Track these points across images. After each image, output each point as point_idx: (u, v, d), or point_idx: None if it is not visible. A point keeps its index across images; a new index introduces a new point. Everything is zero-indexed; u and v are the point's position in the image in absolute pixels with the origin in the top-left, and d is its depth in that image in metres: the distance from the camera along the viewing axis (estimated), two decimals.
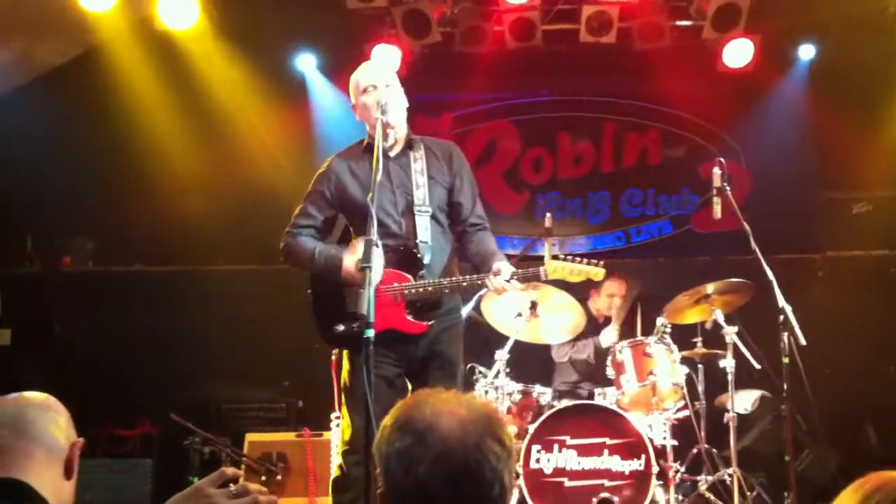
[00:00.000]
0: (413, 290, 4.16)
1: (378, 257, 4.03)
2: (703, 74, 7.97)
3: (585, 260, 4.19)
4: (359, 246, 4.18)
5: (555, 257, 4.20)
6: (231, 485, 2.12)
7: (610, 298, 6.78)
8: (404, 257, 4.22)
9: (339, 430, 4.54)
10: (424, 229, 4.27)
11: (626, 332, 6.41)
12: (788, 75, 8.07)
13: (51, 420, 2.30)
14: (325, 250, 4.34)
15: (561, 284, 5.66)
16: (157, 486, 6.54)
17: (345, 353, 4.40)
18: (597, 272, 4.20)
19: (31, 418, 2.28)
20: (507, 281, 4.12)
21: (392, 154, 4.33)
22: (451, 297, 4.35)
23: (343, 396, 4.38)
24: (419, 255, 4.21)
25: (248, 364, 7.28)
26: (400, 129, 4.32)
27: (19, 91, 7.66)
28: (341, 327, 4.23)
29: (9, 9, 6.87)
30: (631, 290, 6.80)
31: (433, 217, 4.32)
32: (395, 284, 4.19)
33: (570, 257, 4.19)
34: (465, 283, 4.19)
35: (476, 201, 4.49)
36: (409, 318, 4.18)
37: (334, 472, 4.37)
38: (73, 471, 2.32)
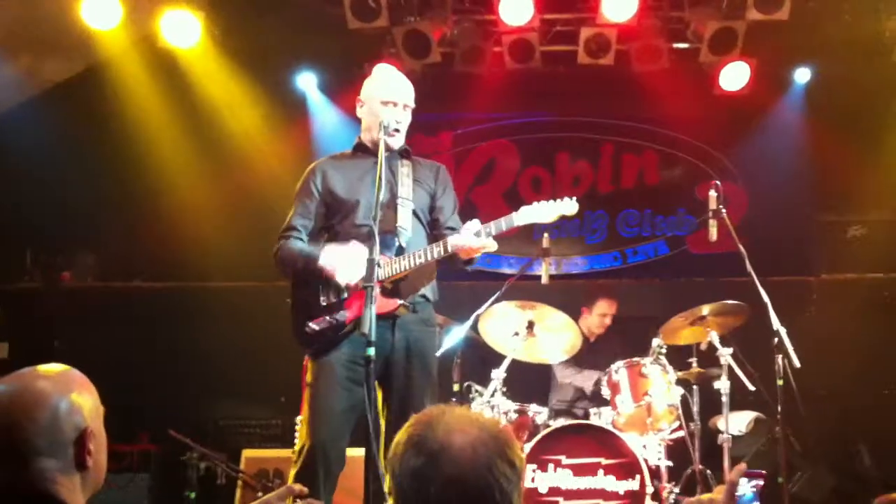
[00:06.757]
0: (388, 267, 4.10)
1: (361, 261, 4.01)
2: (700, 97, 8.03)
3: (557, 199, 4.21)
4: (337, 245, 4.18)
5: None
6: (298, 500, 2.12)
7: (601, 318, 6.83)
8: (383, 240, 4.07)
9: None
10: (405, 219, 4.27)
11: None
12: (785, 98, 8.15)
13: (51, 408, 2.03)
14: (307, 248, 4.30)
15: (558, 305, 5.75)
16: (153, 502, 6.55)
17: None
18: (570, 206, 4.22)
19: (30, 406, 2.02)
20: (477, 235, 4.04)
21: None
22: (426, 305, 4.32)
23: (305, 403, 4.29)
24: (397, 239, 4.19)
25: (245, 381, 7.30)
26: (398, 144, 4.36)
27: (24, 106, 7.75)
28: (315, 326, 4.21)
29: (17, 25, 6.96)
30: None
31: (414, 213, 4.33)
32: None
33: (542, 201, 4.21)
34: (437, 250, 4.09)
35: (455, 212, 4.50)
36: (381, 295, 4.04)
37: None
38: (85, 462, 2.08)
